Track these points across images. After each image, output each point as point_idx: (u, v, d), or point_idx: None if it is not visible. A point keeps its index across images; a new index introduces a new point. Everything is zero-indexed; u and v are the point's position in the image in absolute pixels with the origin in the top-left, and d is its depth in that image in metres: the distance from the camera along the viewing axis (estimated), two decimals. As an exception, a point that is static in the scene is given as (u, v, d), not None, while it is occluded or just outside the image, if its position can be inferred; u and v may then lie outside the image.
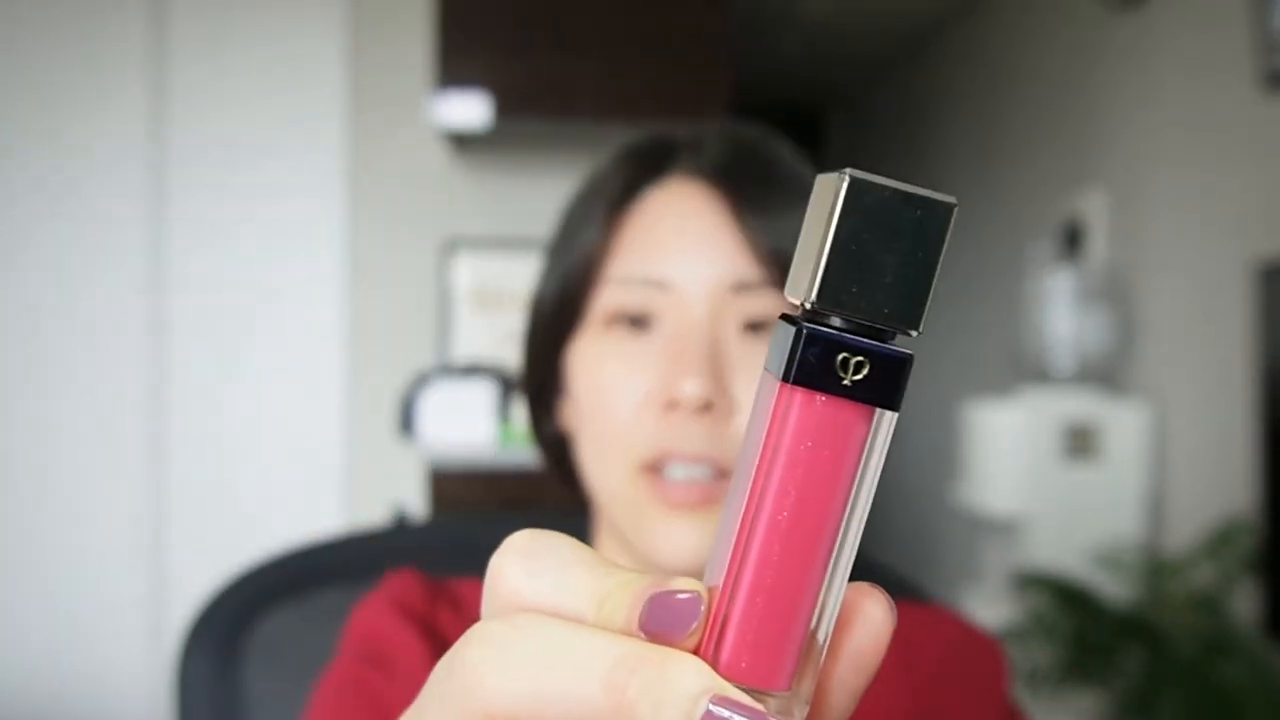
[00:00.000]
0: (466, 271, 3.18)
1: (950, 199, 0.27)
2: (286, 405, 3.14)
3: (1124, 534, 2.63)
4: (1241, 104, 2.46)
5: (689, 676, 0.26)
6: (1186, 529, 2.56)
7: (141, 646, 3.01)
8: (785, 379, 0.27)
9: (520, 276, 3.00)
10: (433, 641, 0.71)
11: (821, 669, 0.28)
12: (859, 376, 0.27)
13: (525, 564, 0.28)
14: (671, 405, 0.67)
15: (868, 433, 0.27)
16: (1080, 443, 2.69)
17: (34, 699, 2.96)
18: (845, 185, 0.26)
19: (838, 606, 0.28)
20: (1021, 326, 3.01)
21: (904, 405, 0.28)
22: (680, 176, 0.72)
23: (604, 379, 0.70)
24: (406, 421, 3.01)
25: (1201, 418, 2.59)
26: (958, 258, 4.22)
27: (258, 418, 3.12)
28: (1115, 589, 2.45)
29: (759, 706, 0.26)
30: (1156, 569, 2.42)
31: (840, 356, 0.27)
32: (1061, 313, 2.84)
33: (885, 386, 0.27)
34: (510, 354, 2.84)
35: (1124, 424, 2.71)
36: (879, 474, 0.28)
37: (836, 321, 0.27)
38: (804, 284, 0.27)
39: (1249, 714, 1.99)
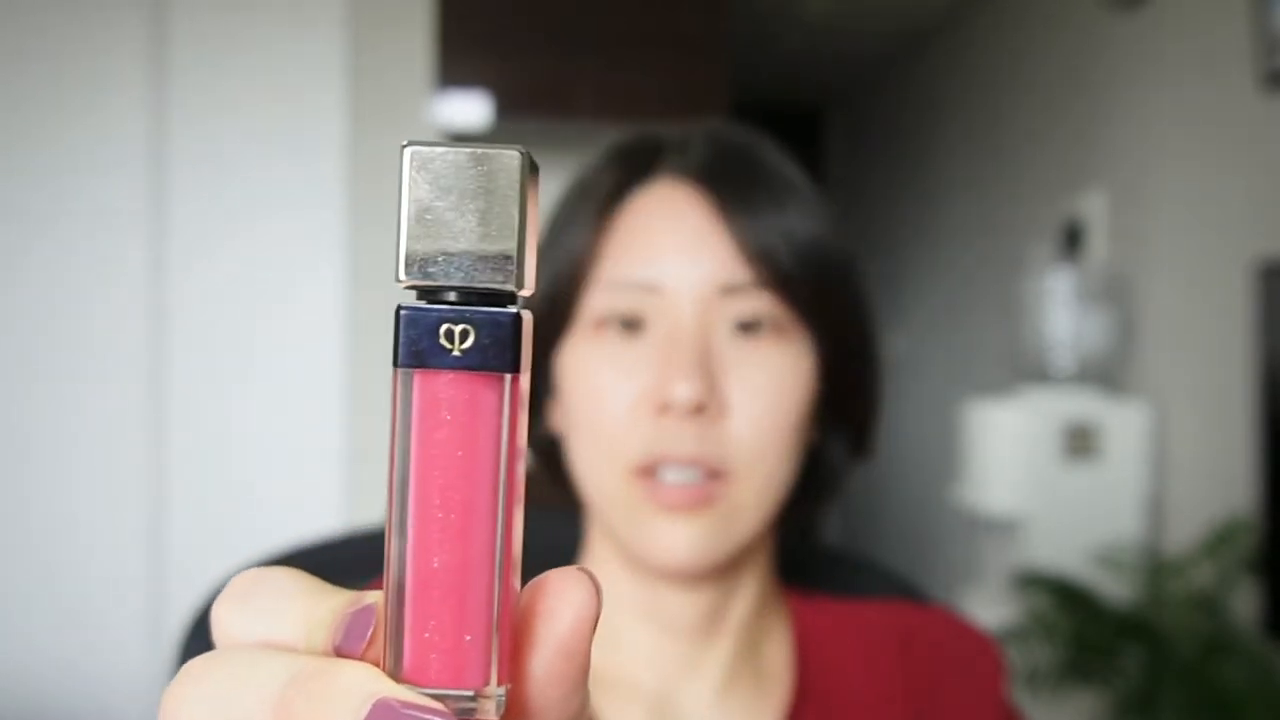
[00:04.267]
0: (466, 271, 3.18)
1: (516, 149, 0.26)
2: (287, 405, 3.14)
3: (1124, 534, 2.63)
4: (1242, 104, 2.46)
5: (352, 683, 0.25)
6: (1186, 529, 2.56)
7: (141, 646, 3.01)
8: (395, 364, 0.26)
9: (520, 276, 3.00)
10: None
11: (525, 660, 0.27)
12: (467, 345, 0.26)
13: (238, 605, 0.28)
14: (664, 408, 0.67)
15: (498, 400, 0.26)
16: (1080, 443, 2.69)
17: (33, 699, 2.96)
18: (406, 157, 0.26)
19: (515, 590, 0.27)
20: (1021, 326, 3.01)
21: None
22: (667, 178, 0.72)
23: (595, 382, 0.70)
24: (406, 421, 3.01)
25: (1201, 418, 2.59)
26: (957, 257, 4.22)
27: (258, 418, 3.12)
28: (1115, 589, 2.45)
29: (428, 703, 0.25)
30: (1156, 569, 2.42)
31: (444, 328, 0.26)
32: (1061, 313, 2.84)
33: (497, 350, 0.26)
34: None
35: (1124, 424, 2.71)
36: (524, 443, 0.27)
37: (452, 296, 0.27)
38: (396, 265, 0.27)
39: (1249, 714, 1.99)
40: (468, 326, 0.26)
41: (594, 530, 0.76)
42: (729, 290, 0.69)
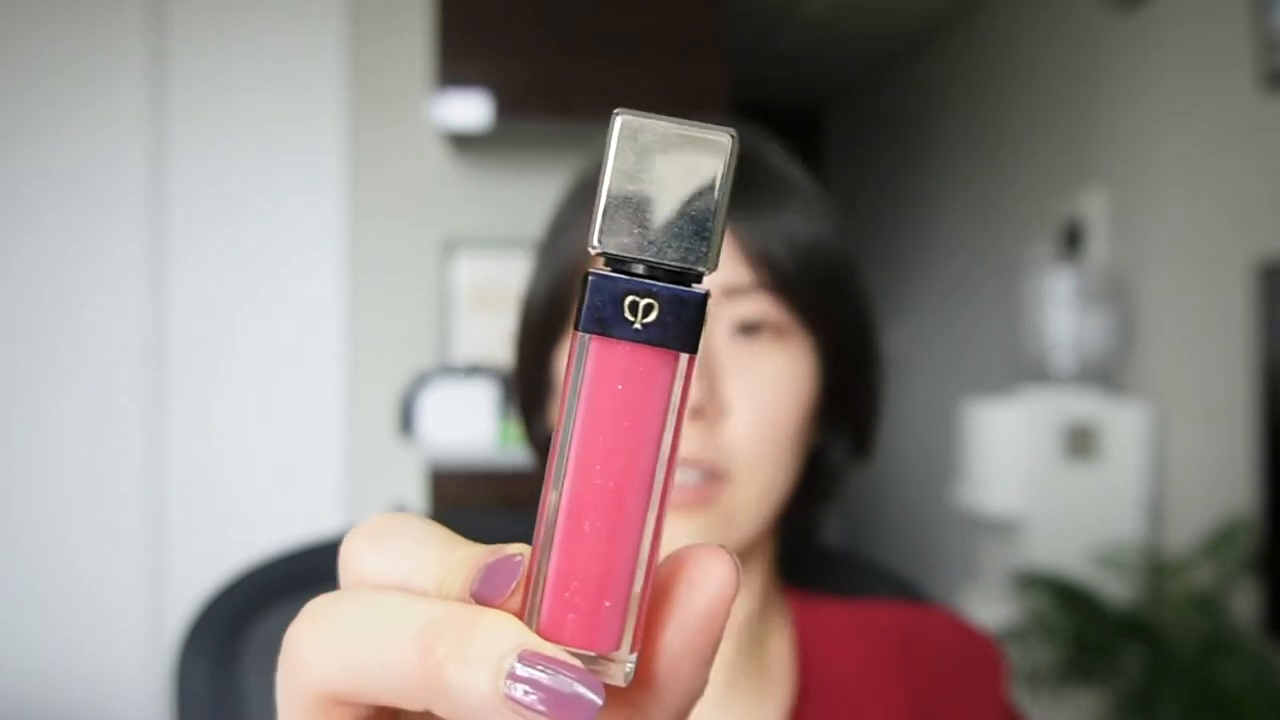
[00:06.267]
0: (466, 271, 3.18)
1: (727, 132, 0.26)
2: (286, 405, 3.14)
3: (1124, 534, 2.63)
4: (1242, 103, 2.46)
5: (498, 631, 0.25)
6: (1186, 529, 2.56)
7: (140, 647, 3.01)
8: (577, 328, 0.26)
9: (520, 276, 3.00)
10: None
11: (660, 630, 0.27)
12: (649, 319, 0.26)
13: (373, 545, 0.28)
14: None
15: (670, 377, 0.27)
16: (1080, 443, 2.69)
17: (33, 700, 2.96)
18: (617, 126, 0.26)
19: (656, 559, 0.27)
20: (1021, 326, 3.01)
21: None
22: None
23: None
24: (406, 421, 3.01)
25: (1201, 418, 2.59)
26: (957, 257, 4.22)
27: (257, 417, 3.12)
28: (1115, 589, 2.45)
29: (572, 661, 0.25)
30: (1156, 569, 2.42)
31: (629, 300, 0.26)
32: (1061, 313, 2.84)
33: (678, 328, 0.26)
34: (510, 354, 2.83)
35: (1124, 424, 2.71)
36: (682, 421, 0.27)
37: (639, 269, 0.26)
38: (592, 231, 0.26)
39: (1249, 714, 1.99)
40: (652, 301, 0.26)
41: None
42: (729, 292, 0.68)
